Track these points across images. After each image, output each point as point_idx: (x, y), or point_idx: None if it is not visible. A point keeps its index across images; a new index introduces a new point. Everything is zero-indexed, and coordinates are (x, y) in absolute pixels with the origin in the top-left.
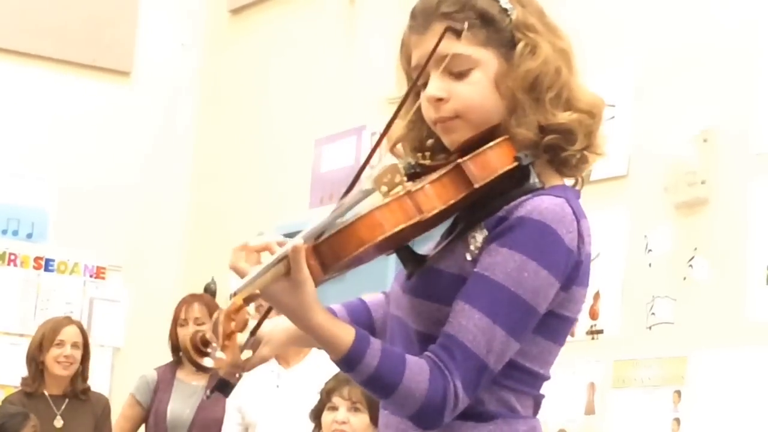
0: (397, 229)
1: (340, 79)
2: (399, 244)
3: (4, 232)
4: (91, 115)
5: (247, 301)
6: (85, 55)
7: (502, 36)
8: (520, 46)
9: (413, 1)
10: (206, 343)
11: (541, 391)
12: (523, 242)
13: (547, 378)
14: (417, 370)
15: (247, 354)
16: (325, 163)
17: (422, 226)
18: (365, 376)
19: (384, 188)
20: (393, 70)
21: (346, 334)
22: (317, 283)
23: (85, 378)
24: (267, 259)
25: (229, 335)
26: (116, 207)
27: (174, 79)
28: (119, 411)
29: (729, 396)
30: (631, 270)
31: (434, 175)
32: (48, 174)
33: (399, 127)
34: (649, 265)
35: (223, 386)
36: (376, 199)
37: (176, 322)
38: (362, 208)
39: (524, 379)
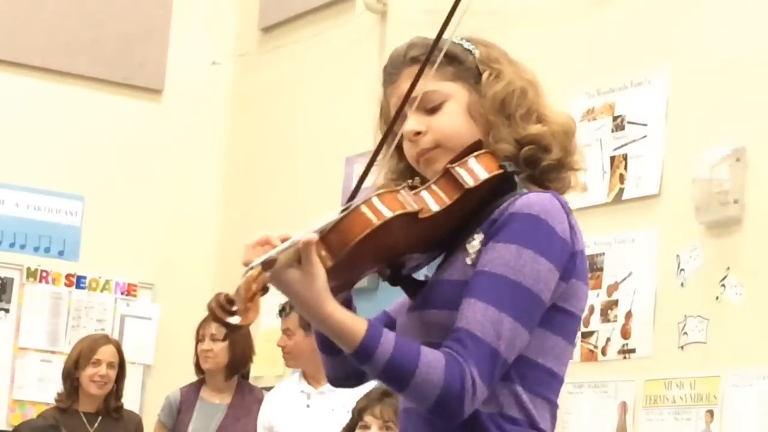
0: (398, 213)
1: (371, 96)
2: (400, 251)
3: (36, 249)
4: (123, 133)
5: (265, 266)
6: (117, 74)
7: (469, 71)
8: (485, 75)
9: (443, 17)
10: (231, 301)
11: (558, 400)
12: (517, 234)
13: (562, 380)
14: (432, 357)
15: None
16: (356, 181)
17: (421, 227)
18: (381, 367)
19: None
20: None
21: (358, 325)
22: (327, 275)
23: (119, 396)
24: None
25: (251, 297)
26: (147, 224)
27: (205, 97)
28: (151, 428)
29: (762, 416)
30: (663, 289)
31: (427, 184)
32: (80, 191)
33: (385, 179)
34: (681, 284)
35: None
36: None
37: (197, 340)
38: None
39: (541, 379)
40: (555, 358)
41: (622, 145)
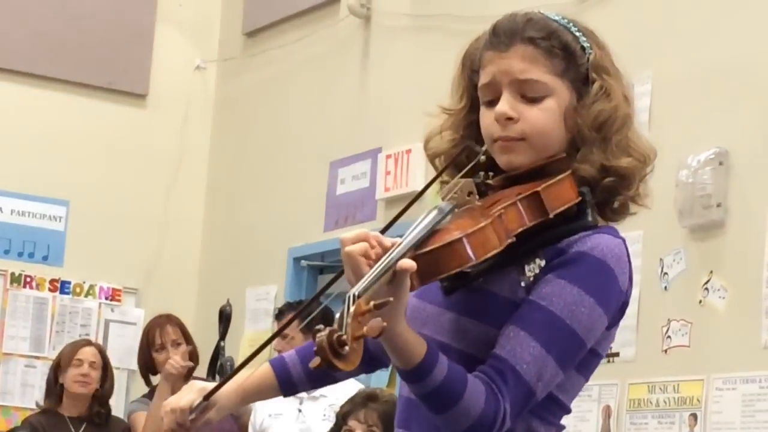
0: (495, 251)
1: (355, 101)
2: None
3: (20, 254)
4: (107, 138)
5: (377, 307)
6: (101, 78)
7: (578, 72)
8: (595, 86)
9: (428, 21)
10: (343, 344)
11: (562, 422)
12: (582, 277)
13: (569, 410)
14: (476, 389)
15: (191, 416)
16: (341, 186)
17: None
18: (430, 389)
19: (455, 200)
20: (408, 94)
21: (420, 345)
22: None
23: (104, 401)
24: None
25: (358, 338)
26: (132, 229)
27: (189, 101)
28: None
29: (745, 419)
30: (647, 293)
31: (511, 199)
32: (64, 196)
33: (444, 140)
34: (665, 288)
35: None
36: (455, 216)
37: (149, 346)
38: (446, 225)
39: (553, 410)
40: (571, 393)
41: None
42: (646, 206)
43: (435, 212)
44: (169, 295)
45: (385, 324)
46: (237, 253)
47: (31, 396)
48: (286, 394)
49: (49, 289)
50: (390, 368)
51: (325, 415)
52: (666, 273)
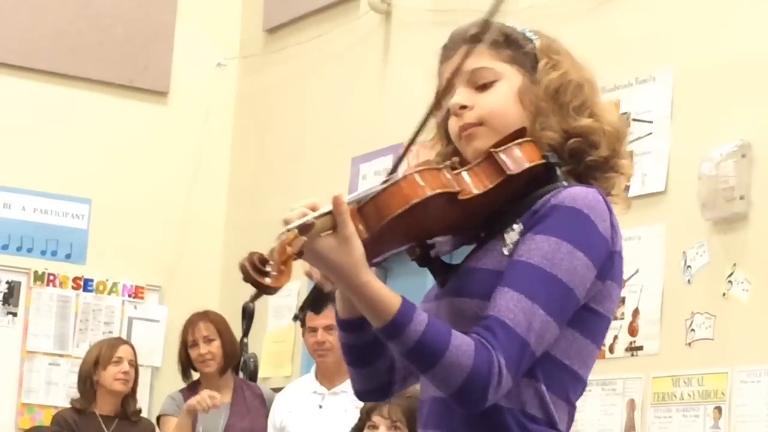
0: (438, 191)
1: (376, 96)
2: (434, 230)
3: (43, 252)
4: (129, 136)
5: (302, 231)
6: (122, 76)
7: (526, 57)
8: (542, 63)
9: (449, 15)
10: (264, 261)
11: (577, 403)
12: (557, 227)
13: (585, 384)
14: (462, 341)
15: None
16: (363, 181)
17: (459, 209)
18: (410, 343)
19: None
20: (428, 89)
21: (393, 298)
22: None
23: (135, 400)
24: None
25: (285, 260)
26: (154, 227)
27: (210, 98)
28: None
29: None
30: (670, 286)
31: (468, 166)
32: (86, 194)
33: (433, 153)
34: (688, 281)
35: (317, 297)
36: None
37: (185, 345)
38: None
39: (566, 380)
40: (581, 360)
41: (628, 143)
42: (629, 174)
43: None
44: (192, 292)
45: (305, 239)
46: (259, 249)
47: (55, 394)
48: (377, 338)
49: (72, 287)
50: None
51: (346, 411)
52: (689, 266)
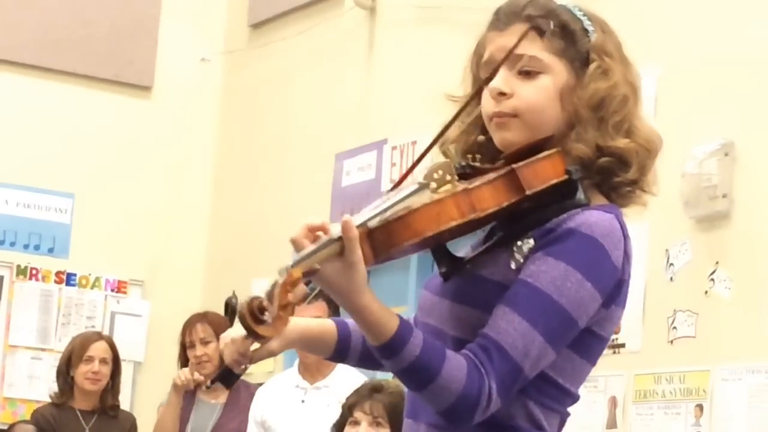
0: (452, 225)
1: (360, 92)
2: (444, 240)
3: (26, 246)
4: (113, 130)
5: (306, 274)
6: (106, 71)
7: (578, 52)
8: (593, 65)
9: (433, 13)
10: (263, 310)
11: (568, 410)
12: (570, 253)
13: (577, 397)
14: (456, 364)
15: (255, 345)
16: (346, 177)
17: (472, 225)
18: (406, 364)
19: (434, 184)
20: (414, 86)
21: (391, 319)
22: (367, 268)
23: (115, 394)
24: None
25: (284, 306)
26: (137, 221)
27: (195, 93)
28: (144, 426)
29: (751, 410)
30: (653, 284)
31: (487, 177)
32: (69, 189)
33: (455, 128)
34: (671, 279)
35: (226, 376)
36: (425, 195)
37: (184, 346)
38: (413, 201)
39: (556, 396)
40: (575, 378)
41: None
42: (652, 193)
43: (401, 191)
44: (175, 287)
45: (306, 291)
46: (243, 244)
47: (37, 388)
48: (333, 358)
49: (55, 281)
50: None
51: (329, 405)
52: (672, 264)
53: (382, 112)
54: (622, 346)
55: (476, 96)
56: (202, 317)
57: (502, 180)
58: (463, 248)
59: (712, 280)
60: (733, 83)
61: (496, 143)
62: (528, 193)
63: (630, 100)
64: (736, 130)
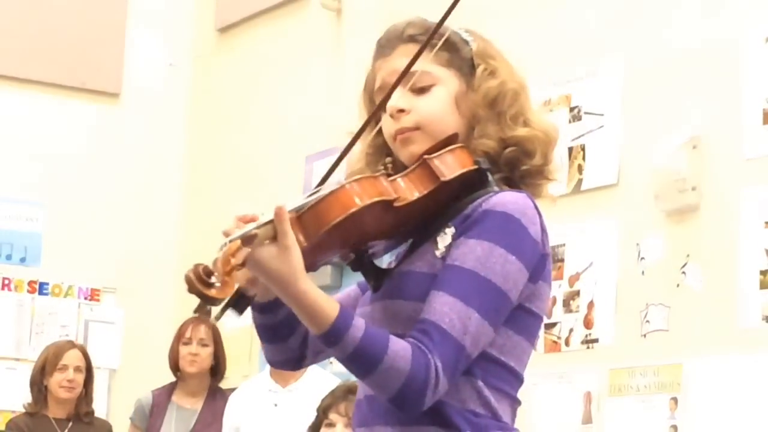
0: (375, 199)
1: (329, 94)
2: (370, 236)
3: None
4: (82, 138)
5: (245, 241)
6: (73, 78)
7: (463, 60)
8: (479, 69)
9: (401, 13)
10: (209, 273)
11: (519, 397)
12: (489, 231)
13: (522, 380)
14: (400, 347)
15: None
16: (316, 179)
17: (396, 219)
18: (349, 350)
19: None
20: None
21: (331, 307)
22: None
23: (89, 401)
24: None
25: (229, 271)
26: (109, 229)
27: (163, 98)
28: None
29: (725, 402)
30: (625, 278)
31: (403, 172)
32: (40, 197)
33: (359, 162)
34: (642, 273)
35: (239, 301)
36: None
37: (179, 340)
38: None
39: (502, 376)
40: (517, 357)
41: (580, 136)
42: (554, 179)
43: (329, 186)
44: (148, 293)
45: (248, 250)
46: (215, 249)
47: (13, 398)
48: (289, 317)
49: (28, 291)
50: None
51: (302, 408)
52: (643, 258)
53: (350, 114)
54: (596, 341)
55: (375, 118)
56: (206, 321)
57: (418, 171)
58: (387, 262)
59: (684, 272)
60: (700, 76)
61: (403, 160)
62: (443, 179)
63: (521, 95)
64: (703, 122)
